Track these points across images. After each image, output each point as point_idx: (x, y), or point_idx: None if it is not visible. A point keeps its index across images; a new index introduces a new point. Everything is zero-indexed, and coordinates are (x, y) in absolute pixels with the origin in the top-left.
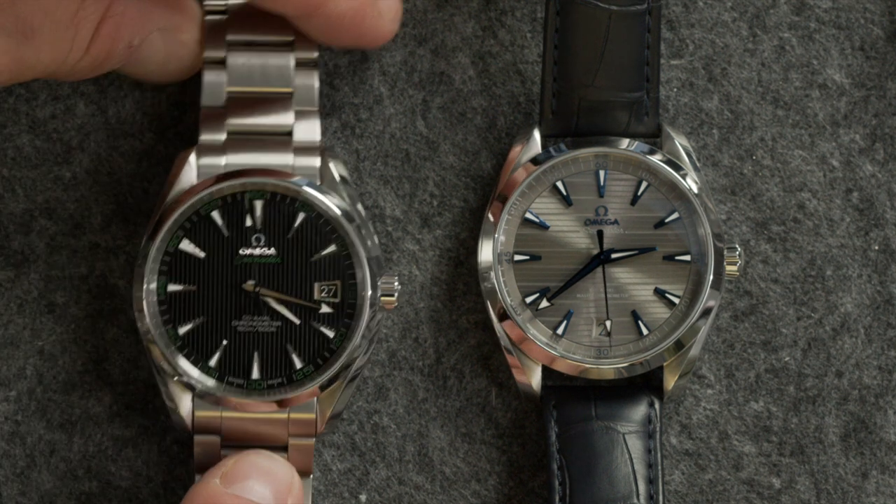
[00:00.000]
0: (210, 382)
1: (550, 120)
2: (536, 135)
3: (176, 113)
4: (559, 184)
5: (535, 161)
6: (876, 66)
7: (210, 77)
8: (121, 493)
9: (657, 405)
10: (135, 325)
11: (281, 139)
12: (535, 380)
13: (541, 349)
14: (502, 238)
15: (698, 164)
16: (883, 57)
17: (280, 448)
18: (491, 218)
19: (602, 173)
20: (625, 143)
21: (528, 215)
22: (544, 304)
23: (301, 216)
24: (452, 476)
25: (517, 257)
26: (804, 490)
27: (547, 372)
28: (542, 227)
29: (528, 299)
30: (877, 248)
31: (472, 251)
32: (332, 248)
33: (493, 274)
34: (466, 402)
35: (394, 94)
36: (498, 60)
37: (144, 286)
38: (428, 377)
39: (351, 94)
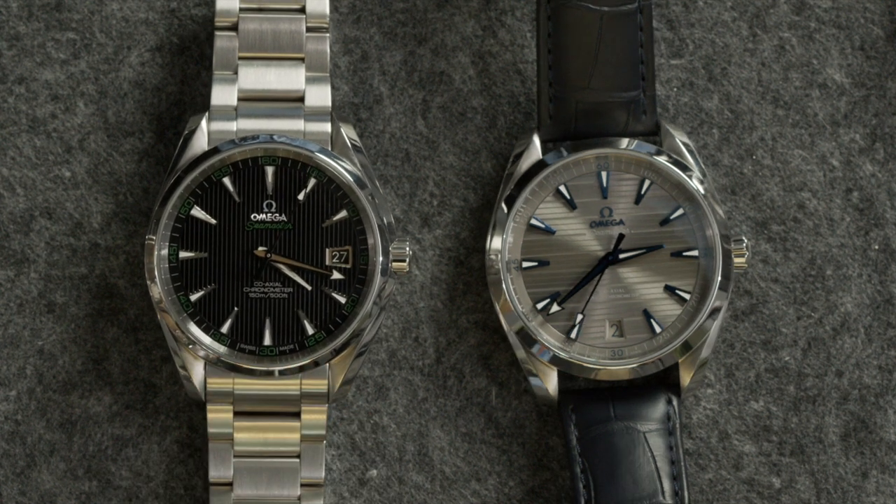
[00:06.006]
0: (222, 349)
1: (549, 125)
2: (536, 140)
3: (176, 113)
4: (562, 188)
5: (536, 167)
6: (876, 65)
7: (221, 43)
8: (121, 493)
9: (675, 402)
10: (135, 325)
11: (292, 105)
12: (552, 385)
13: (555, 354)
14: (509, 245)
15: (699, 160)
16: (883, 57)
17: (293, 415)
18: (496, 225)
19: (604, 174)
20: (625, 142)
21: (533, 221)
22: (555, 308)
23: (312, 182)
24: (452, 476)
25: (525, 264)
26: (804, 490)
27: (563, 376)
28: (549, 232)
29: (539, 305)
30: (877, 247)
31: (473, 251)
32: (343, 214)
33: (502, 282)
34: (466, 401)
35: (394, 93)
36: (498, 60)
37: (156, 253)
38: (428, 377)
39: (351, 94)
